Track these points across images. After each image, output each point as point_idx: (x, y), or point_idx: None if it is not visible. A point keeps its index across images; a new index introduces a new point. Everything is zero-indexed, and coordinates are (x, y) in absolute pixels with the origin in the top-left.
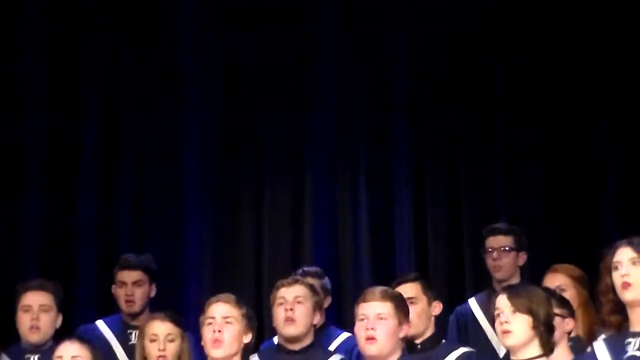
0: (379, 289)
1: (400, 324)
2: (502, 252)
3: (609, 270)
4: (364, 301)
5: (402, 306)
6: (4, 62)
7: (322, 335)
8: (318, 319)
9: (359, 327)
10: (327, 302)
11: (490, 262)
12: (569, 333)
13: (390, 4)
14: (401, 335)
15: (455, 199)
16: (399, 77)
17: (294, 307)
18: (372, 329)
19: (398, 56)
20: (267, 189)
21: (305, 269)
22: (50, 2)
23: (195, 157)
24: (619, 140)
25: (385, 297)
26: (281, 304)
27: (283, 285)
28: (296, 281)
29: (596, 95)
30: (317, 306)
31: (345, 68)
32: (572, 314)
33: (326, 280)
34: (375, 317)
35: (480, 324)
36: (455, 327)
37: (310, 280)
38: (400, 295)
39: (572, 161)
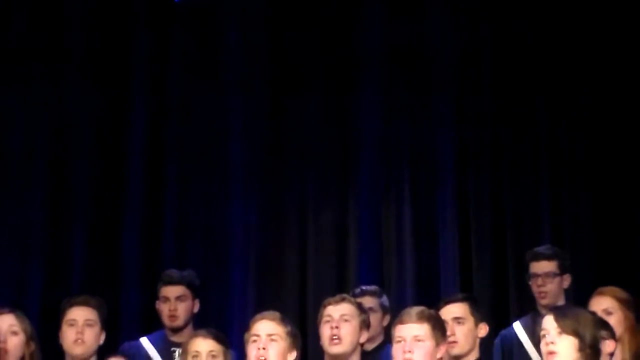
0: (415, 310)
1: (437, 344)
2: (547, 279)
3: None
4: (401, 323)
5: (439, 326)
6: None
7: (381, 354)
8: (365, 338)
9: (397, 350)
10: (386, 320)
11: (535, 289)
12: (611, 355)
13: (433, 43)
14: (439, 355)
15: (500, 220)
16: (444, 98)
17: (340, 325)
18: (410, 351)
19: (443, 80)
20: (312, 209)
21: (364, 287)
22: None
23: (240, 176)
24: None
25: (422, 318)
26: (327, 321)
27: (330, 304)
28: (343, 299)
29: None
30: (363, 325)
31: (390, 88)
32: (613, 335)
33: (384, 298)
34: (412, 339)
35: (525, 348)
36: (500, 351)
37: (368, 298)
38: (437, 315)
39: (617, 183)
